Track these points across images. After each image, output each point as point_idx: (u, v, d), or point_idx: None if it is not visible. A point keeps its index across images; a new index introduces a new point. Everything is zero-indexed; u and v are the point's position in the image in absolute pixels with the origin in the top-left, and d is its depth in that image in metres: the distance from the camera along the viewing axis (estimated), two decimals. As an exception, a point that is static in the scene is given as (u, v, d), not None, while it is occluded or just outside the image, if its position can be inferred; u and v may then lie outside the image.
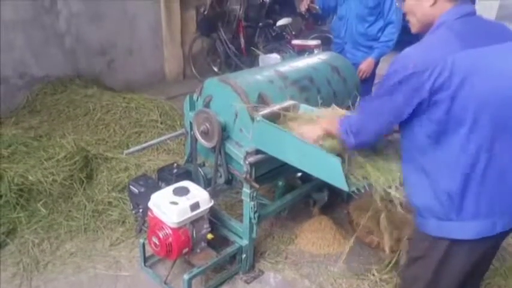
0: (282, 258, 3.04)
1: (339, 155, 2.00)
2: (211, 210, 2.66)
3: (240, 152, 2.52)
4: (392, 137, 2.17)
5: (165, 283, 2.71)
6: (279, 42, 6.60)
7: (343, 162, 1.97)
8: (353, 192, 2.00)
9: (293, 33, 7.06)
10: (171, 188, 2.60)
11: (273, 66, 2.99)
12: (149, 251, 2.74)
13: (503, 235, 1.71)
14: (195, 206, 2.49)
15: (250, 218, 2.66)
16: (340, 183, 1.96)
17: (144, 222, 2.86)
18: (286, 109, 2.49)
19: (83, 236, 3.17)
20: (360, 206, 3.28)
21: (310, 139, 2.08)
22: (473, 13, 1.66)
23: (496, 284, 2.78)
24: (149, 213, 2.59)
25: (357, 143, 1.84)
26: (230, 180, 2.76)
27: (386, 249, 2.42)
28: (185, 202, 2.47)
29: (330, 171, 2.00)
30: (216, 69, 7.14)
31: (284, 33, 6.92)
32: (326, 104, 2.55)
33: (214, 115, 2.55)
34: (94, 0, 5.69)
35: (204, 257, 2.69)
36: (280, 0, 7.59)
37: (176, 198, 2.49)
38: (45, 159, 3.46)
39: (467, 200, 1.61)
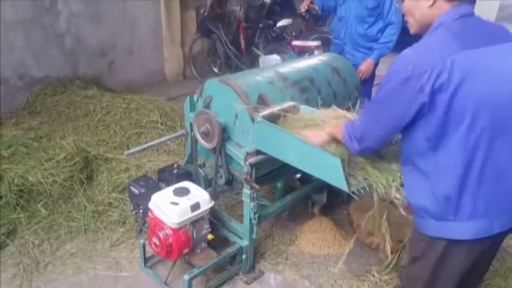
0: (282, 259, 3.04)
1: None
2: (212, 210, 2.67)
3: (240, 152, 2.52)
4: (392, 138, 2.17)
5: (166, 284, 2.71)
6: (279, 43, 6.61)
7: (343, 163, 1.97)
8: (353, 193, 2.00)
9: (293, 34, 7.07)
10: (171, 188, 2.60)
11: (273, 67, 3.00)
12: (149, 251, 2.74)
13: (501, 235, 1.71)
14: (195, 207, 2.49)
15: (250, 219, 2.66)
16: (340, 183, 1.96)
17: (145, 222, 2.87)
18: (287, 110, 2.49)
19: (83, 237, 3.17)
20: (360, 207, 3.28)
21: (315, 144, 2.07)
22: (472, 14, 1.66)
23: (496, 284, 2.78)
24: (149, 213, 2.59)
25: (362, 149, 1.83)
26: (230, 181, 2.77)
27: (388, 250, 2.42)
28: (185, 203, 2.47)
29: (330, 171, 2.00)
30: (216, 70, 7.14)
31: (284, 34, 6.92)
32: (326, 104, 2.56)
33: (214, 116, 2.55)
34: (94, 1, 5.69)
35: (205, 257, 2.69)
36: (280, 1, 7.59)
37: (176, 199, 2.49)
38: (45, 160, 3.46)
39: (464, 200, 1.61)
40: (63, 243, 3.11)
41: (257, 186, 2.56)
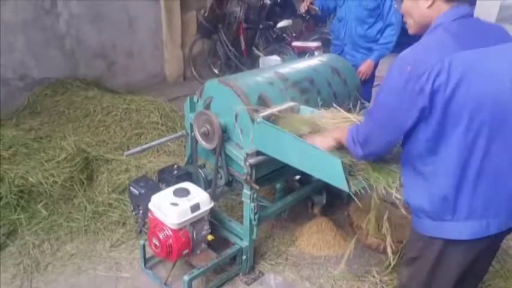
0: (282, 260, 3.04)
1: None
2: (212, 211, 2.67)
3: (240, 153, 2.52)
4: (398, 143, 2.17)
5: (165, 284, 2.71)
6: (279, 44, 6.60)
7: (347, 166, 1.96)
8: (354, 194, 1.99)
9: (293, 35, 7.06)
10: (171, 189, 2.60)
11: (273, 67, 3.00)
12: (149, 252, 2.74)
13: (499, 236, 1.71)
14: (195, 207, 2.49)
15: (250, 220, 2.66)
16: (341, 184, 1.96)
17: (145, 223, 2.86)
18: (287, 111, 2.50)
19: (83, 238, 3.17)
20: (360, 207, 3.28)
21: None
22: (470, 15, 1.67)
23: (496, 286, 2.78)
24: (149, 214, 2.59)
25: (365, 153, 1.81)
26: (230, 182, 2.77)
27: (389, 251, 2.42)
28: (185, 203, 2.47)
29: (331, 172, 2.00)
30: (216, 71, 7.14)
31: (284, 35, 6.92)
32: (326, 105, 2.56)
33: (214, 117, 2.56)
34: (94, 2, 5.69)
35: (204, 258, 2.69)
36: (280, 2, 7.59)
37: (176, 200, 2.50)
38: (46, 160, 3.47)
39: (461, 201, 1.62)
40: (63, 244, 3.11)
41: (257, 187, 2.57)
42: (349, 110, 2.36)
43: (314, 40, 5.87)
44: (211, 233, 2.67)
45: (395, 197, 1.91)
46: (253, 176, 2.53)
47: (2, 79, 4.98)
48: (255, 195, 2.62)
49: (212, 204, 2.61)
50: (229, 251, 2.74)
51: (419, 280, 1.84)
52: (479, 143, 1.55)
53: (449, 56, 1.51)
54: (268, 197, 3.57)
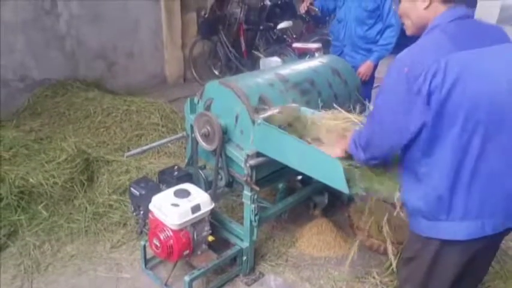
0: (283, 261, 3.05)
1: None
2: (212, 212, 2.67)
3: (240, 154, 2.53)
4: (400, 147, 2.16)
5: (166, 285, 2.72)
6: (279, 45, 6.61)
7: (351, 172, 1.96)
8: (354, 194, 1.99)
9: (294, 36, 7.08)
10: (172, 190, 2.61)
11: (274, 69, 3.01)
12: (150, 253, 2.75)
13: (496, 237, 1.71)
14: (196, 208, 2.50)
15: (251, 221, 2.67)
16: (341, 185, 1.96)
17: (145, 224, 2.87)
18: (287, 112, 2.50)
19: (83, 239, 3.17)
20: (360, 209, 3.28)
21: None
22: (468, 16, 1.67)
23: (496, 287, 2.78)
24: (150, 215, 2.59)
25: (367, 157, 1.81)
26: (231, 183, 2.77)
27: (390, 252, 2.43)
28: (186, 204, 2.48)
29: (331, 173, 2.00)
30: (216, 72, 7.15)
31: (285, 36, 6.93)
32: (327, 106, 2.56)
33: (215, 118, 2.56)
34: (94, 3, 5.70)
35: (205, 259, 2.69)
36: (281, 3, 7.61)
37: (177, 201, 2.50)
38: (46, 161, 3.47)
39: (456, 201, 1.62)
40: (63, 245, 3.11)
41: (257, 188, 2.57)
42: (349, 111, 2.36)
43: (314, 41, 5.89)
44: (211, 234, 2.67)
45: (397, 200, 1.91)
46: (254, 177, 2.54)
47: (2, 80, 4.98)
48: (255, 197, 2.62)
49: (213, 205, 2.61)
50: (230, 252, 2.74)
51: (416, 280, 1.85)
52: (474, 143, 1.55)
53: (445, 57, 1.51)
54: (268, 198, 3.58)
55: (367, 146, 1.78)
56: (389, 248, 2.42)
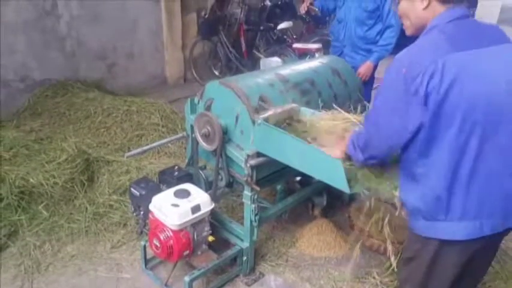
0: (283, 261, 3.05)
1: None
2: (212, 212, 2.67)
3: (241, 154, 2.53)
4: (399, 147, 2.17)
5: (166, 285, 2.72)
6: (280, 45, 6.62)
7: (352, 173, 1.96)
8: (355, 194, 1.99)
9: (294, 36, 7.08)
10: (172, 190, 2.61)
11: (274, 69, 3.01)
12: (150, 253, 2.75)
13: (495, 238, 1.71)
14: (196, 209, 2.50)
15: (251, 221, 2.67)
16: (342, 185, 1.96)
17: (145, 224, 2.87)
18: (288, 112, 2.50)
19: (84, 239, 3.17)
20: (360, 209, 3.28)
21: None
22: (467, 16, 1.67)
23: (497, 287, 2.78)
24: (150, 215, 2.59)
25: (365, 157, 1.81)
26: (231, 183, 2.77)
27: (390, 253, 2.43)
28: (186, 204, 2.48)
29: (331, 173, 2.00)
30: (217, 72, 7.15)
31: (285, 36, 6.94)
32: (327, 107, 2.57)
33: (215, 118, 2.56)
34: (95, 4, 5.71)
35: (205, 259, 2.69)
36: (281, 3, 7.62)
37: (177, 201, 2.50)
38: (47, 162, 3.48)
39: (454, 201, 1.62)
40: (64, 245, 3.12)
41: (258, 188, 2.57)
42: (349, 111, 2.36)
43: (315, 42, 5.89)
44: (211, 234, 2.67)
45: (397, 200, 1.91)
46: (254, 178, 2.54)
47: (2, 80, 4.98)
48: (255, 197, 2.62)
49: (213, 205, 2.61)
50: (230, 252, 2.75)
51: (416, 280, 1.85)
52: (472, 143, 1.56)
53: (442, 58, 1.52)
54: (268, 198, 3.58)
55: (366, 146, 1.79)
56: (389, 248, 2.42)
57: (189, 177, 2.91)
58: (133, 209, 2.98)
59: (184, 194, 2.55)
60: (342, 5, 4.06)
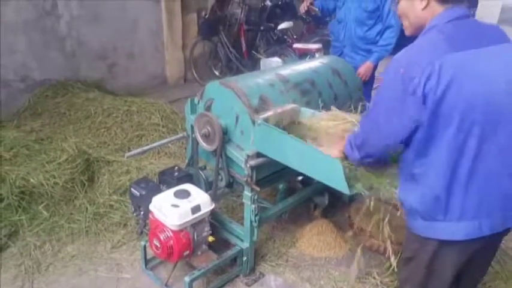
0: (283, 261, 3.05)
1: None
2: (212, 213, 2.67)
3: (241, 155, 2.53)
4: (397, 147, 2.17)
5: (166, 285, 2.72)
6: (280, 45, 6.62)
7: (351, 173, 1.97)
8: (355, 194, 1.99)
9: (294, 36, 7.08)
10: (172, 190, 2.61)
11: (274, 69, 3.01)
12: (150, 253, 2.75)
13: (494, 238, 1.71)
14: (196, 209, 2.50)
15: (251, 221, 2.67)
16: (341, 186, 1.96)
17: (145, 224, 2.87)
18: (288, 112, 2.50)
19: (84, 239, 3.18)
20: (360, 209, 3.28)
21: None
22: (466, 16, 1.67)
23: (497, 287, 2.78)
24: (150, 215, 2.59)
25: (361, 156, 1.81)
26: (231, 184, 2.77)
27: (390, 253, 2.43)
28: (186, 205, 2.48)
29: (331, 174, 2.00)
30: (217, 72, 7.15)
31: (285, 36, 6.93)
32: (327, 107, 2.57)
33: (215, 118, 2.56)
34: (95, 4, 5.71)
35: (205, 259, 2.69)
36: (281, 4, 7.62)
37: (177, 201, 2.50)
38: (47, 162, 3.48)
39: (453, 201, 1.62)
40: (64, 245, 3.12)
41: (258, 188, 2.57)
42: (350, 111, 2.36)
43: (315, 42, 5.88)
44: (212, 235, 2.67)
45: (397, 199, 1.91)
46: (254, 178, 2.54)
47: (2, 80, 4.99)
48: (255, 197, 2.62)
49: (213, 205, 2.61)
50: (230, 252, 2.75)
51: (416, 280, 1.85)
52: (470, 143, 1.56)
53: (440, 59, 1.51)
54: (269, 198, 3.58)
55: (363, 144, 1.79)
56: (389, 248, 2.42)
57: (189, 178, 2.91)
58: (133, 209, 2.98)
59: (184, 195, 2.55)
60: (342, 5, 4.06)
